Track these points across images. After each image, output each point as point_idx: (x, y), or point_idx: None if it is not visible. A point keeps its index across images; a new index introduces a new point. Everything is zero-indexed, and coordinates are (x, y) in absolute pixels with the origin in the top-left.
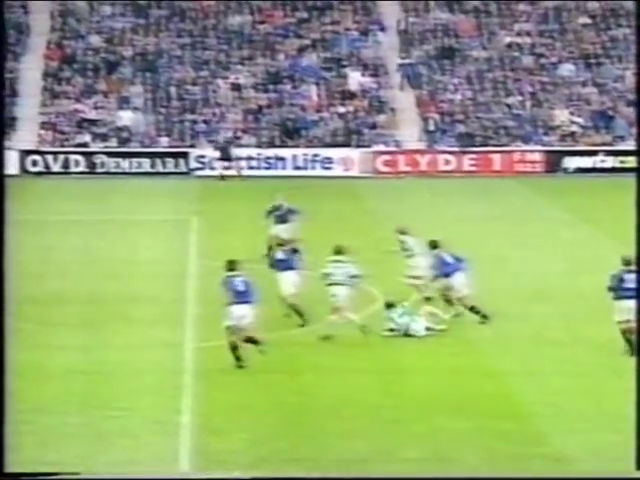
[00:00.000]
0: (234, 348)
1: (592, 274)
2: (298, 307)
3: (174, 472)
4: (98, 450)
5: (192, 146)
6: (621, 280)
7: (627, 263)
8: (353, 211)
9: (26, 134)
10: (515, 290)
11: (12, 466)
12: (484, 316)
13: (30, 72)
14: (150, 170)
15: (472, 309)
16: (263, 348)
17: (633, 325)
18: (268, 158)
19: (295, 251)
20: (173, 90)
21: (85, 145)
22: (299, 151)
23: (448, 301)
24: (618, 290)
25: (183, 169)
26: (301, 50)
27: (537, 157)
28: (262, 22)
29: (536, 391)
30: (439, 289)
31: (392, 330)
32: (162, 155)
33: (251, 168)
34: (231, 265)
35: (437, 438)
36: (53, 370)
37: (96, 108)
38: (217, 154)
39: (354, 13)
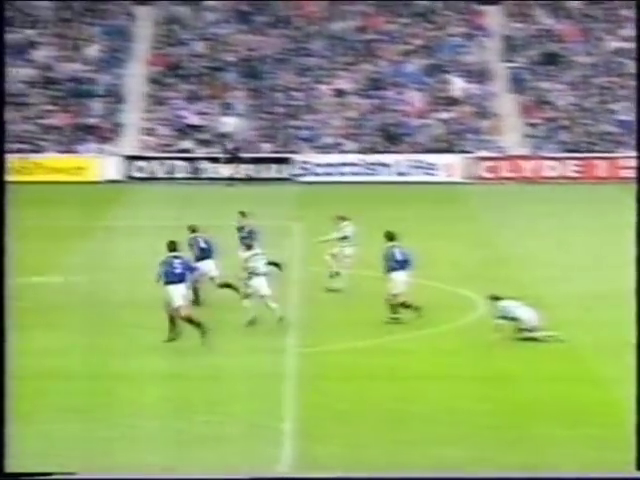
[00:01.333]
0: (172, 320)
1: None
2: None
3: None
4: (197, 455)
5: (295, 152)
6: None
7: None
8: (455, 217)
9: (130, 140)
10: (616, 297)
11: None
12: (395, 319)
13: (134, 78)
14: (252, 176)
15: (392, 308)
16: (205, 333)
17: None
18: (370, 164)
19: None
20: (276, 96)
21: (188, 151)
22: (401, 157)
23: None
24: None
25: (285, 175)
26: (404, 56)
27: None
28: (365, 28)
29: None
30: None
31: (503, 318)
32: (264, 161)
33: (353, 174)
34: (172, 246)
35: (534, 445)
36: (154, 374)
37: (199, 114)
38: (226, 156)
39: (457, 18)
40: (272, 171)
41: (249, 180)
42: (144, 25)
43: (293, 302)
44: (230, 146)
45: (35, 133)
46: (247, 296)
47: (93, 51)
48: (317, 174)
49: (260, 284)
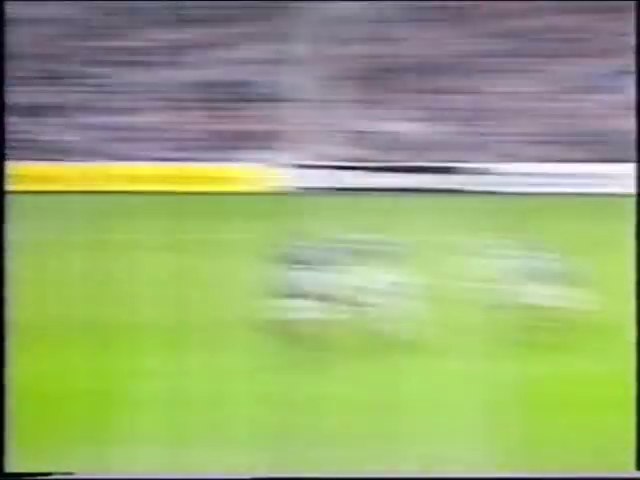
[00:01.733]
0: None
1: None
2: None
3: None
4: None
5: (474, 160)
6: None
7: None
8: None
9: (294, 148)
10: None
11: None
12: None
13: (299, 82)
14: (427, 187)
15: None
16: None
17: None
18: (553, 175)
19: None
20: (453, 100)
21: (358, 159)
22: (589, 167)
23: None
24: None
25: (462, 186)
26: (593, 57)
27: None
28: (552, 26)
29: None
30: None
31: None
32: (440, 170)
33: (532, 185)
34: (283, 258)
35: None
36: (309, 397)
37: (371, 120)
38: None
39: None
40: (448, 181)
41: (423, 191)
42: (307, 25)
43: (459, 323)
44: (398, 155)
45: (192, 140)
46: (374, 320)
47: (254, 52)
48: (496, 184)
49: (374, 300)
